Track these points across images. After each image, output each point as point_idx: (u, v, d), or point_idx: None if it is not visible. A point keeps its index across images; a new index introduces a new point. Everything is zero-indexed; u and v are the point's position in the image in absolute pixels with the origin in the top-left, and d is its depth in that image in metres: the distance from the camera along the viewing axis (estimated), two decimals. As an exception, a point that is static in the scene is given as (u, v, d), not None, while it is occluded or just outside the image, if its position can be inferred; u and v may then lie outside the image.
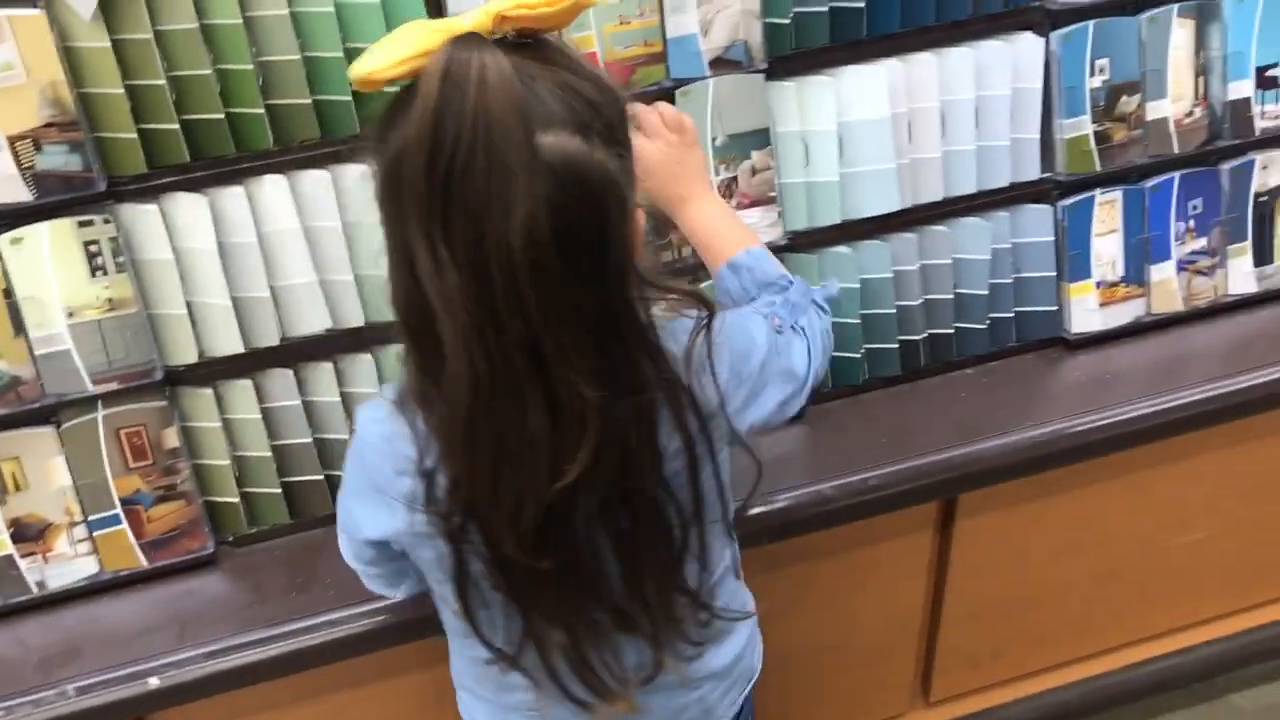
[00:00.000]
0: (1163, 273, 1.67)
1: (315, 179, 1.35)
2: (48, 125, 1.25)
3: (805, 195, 1.51)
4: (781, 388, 1.04)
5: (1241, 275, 1.70)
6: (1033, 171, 1.59)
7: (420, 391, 0.90)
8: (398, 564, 1.07)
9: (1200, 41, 1.58)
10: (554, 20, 0.83)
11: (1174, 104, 1.59)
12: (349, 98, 1.33)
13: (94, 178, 1.28)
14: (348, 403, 1.44)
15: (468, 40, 0.79)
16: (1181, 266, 1.67)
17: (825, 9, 1.43)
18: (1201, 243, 1.66)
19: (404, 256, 0.83)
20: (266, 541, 1.47)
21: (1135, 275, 1.66)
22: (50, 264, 1.30)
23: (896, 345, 1.60)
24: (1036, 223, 1.61)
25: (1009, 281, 1.62)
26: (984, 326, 1.63)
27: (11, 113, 1.24)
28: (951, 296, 1.60)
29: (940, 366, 1.64)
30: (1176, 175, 1.63)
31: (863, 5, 1.44)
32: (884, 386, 1.63)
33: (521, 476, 0.87)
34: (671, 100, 1.43)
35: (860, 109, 1.48)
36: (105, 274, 1.32)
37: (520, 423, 0.84)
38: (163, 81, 1.27)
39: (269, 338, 1.39)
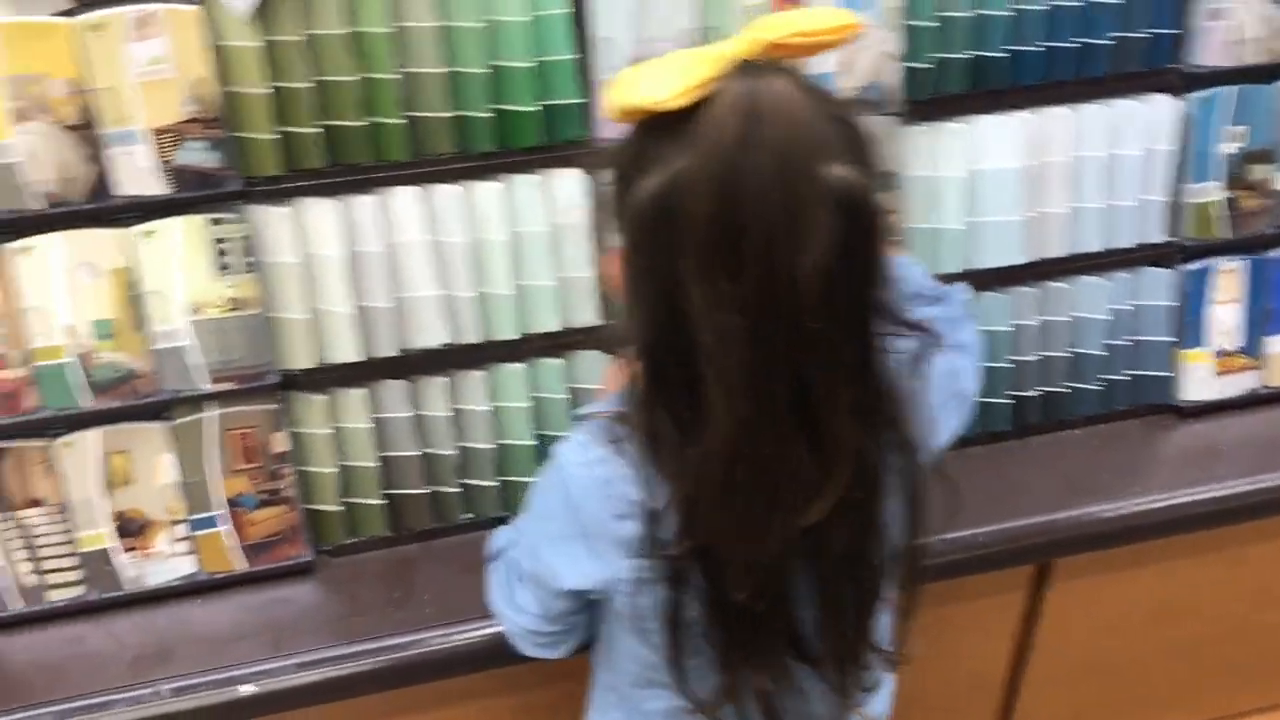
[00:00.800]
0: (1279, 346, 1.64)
1: (448, 193, 1.34)
2: (191, 120, 1.24)
3: (930, 241, 1.49)
4: (957, 413, 1.02)
5: (1361, 355, 1.67)
6: (1157, 234, 1.56)
7: (653, 431, 0.88)
8: (576, 619, 1.05)
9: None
10: (822, 49, 0.82)
11: (1307, 175, 1.57)
12: (490, 114, 1.32)
13: (230, 175, 1.27)
14: (460, 419, 1.43)
15: (750, 69, 0.78)
16: (1300, 341, 1.64)
17: (969, 56, 1.42)
18: (1323, 318, 1.64)
19: (665, 293, 0.82)
20: (363, 553, 1.46)
21: (1253, 346, 1.63)
22: (179, 259, 1.29)
23: (1008, 400, 1.57)
24: (1157, 286, 1.58)
25: (1126, 344, 1.60)
26: (1097, 388, 1.60)
27: (157, 106, 1.23)
28: (1067, 355, 1.57)
29: (1050, 425, 1.61)
30: (1303, 247, 1.60)
31: (1007, 56, 1.42)
32: (991, 441, 1.60)
33: (773, 517, 0.86)
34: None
35: (991, 158, 1.46)
36: (232, 273, 1.30)
37: (780, 463, 0.83)
38: (308, 85, 1.26)
39: (387, 348, 1.38)
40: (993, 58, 1.42)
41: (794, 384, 0.82)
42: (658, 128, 0.81)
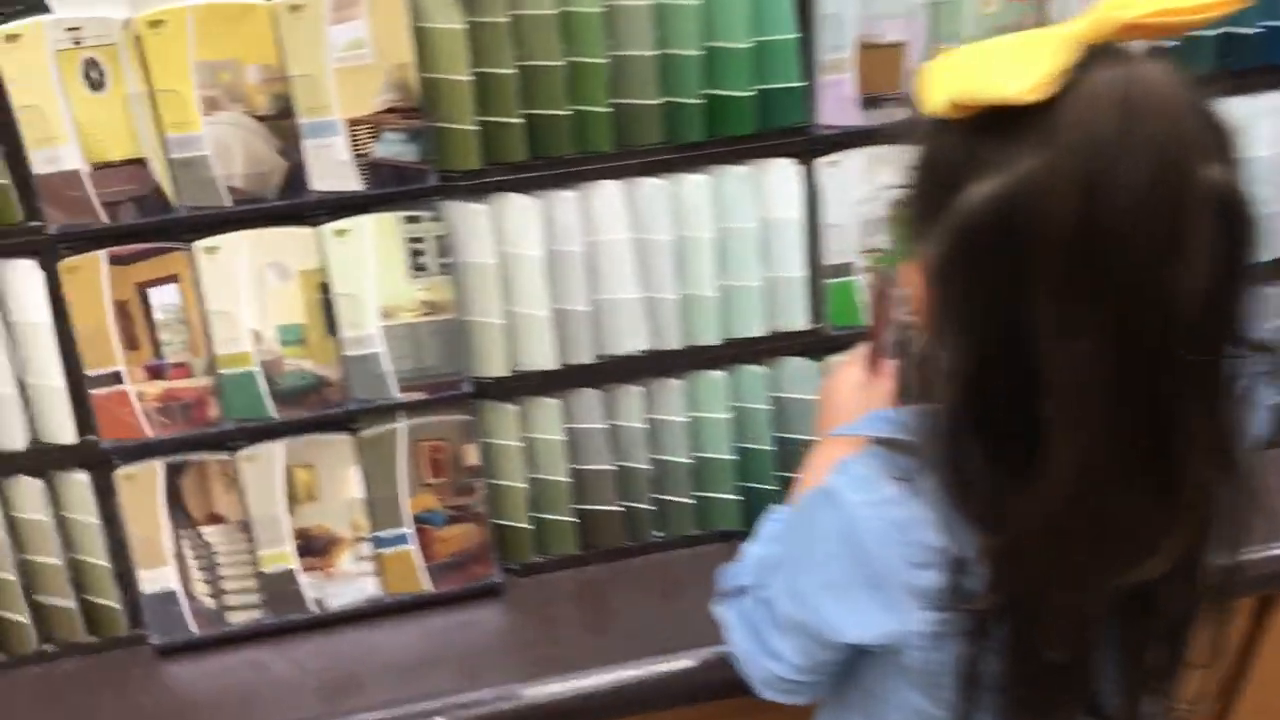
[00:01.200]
0: None
1: (654, 187, 1.24)
2: (389, 110, 1.15)
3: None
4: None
5: None
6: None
7: (961, 470, 0.76)
8: (838, 669, 0.94)
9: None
10: (1184, 29, 0.70)
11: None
12: (702, 100, 1.21)
13: (427, 170, 1.18)
14: (655, 430, 1.32)
15: (1110, 54, 0.67)
16: None
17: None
18: None
19: (999, 316, 0.70)
20: (553, 573, 1.36)
21: None
22: (373, 260, 1.20)
23: None
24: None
25: None
26: None
27: (355, 95, 1.14)
28: None
29: None
30: None
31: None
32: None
33: (1106, 571, 0.74)
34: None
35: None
36: (426, 274, 1.21)
37: (1124, 511, 0.72)
38: (513, 71, 1.16)
39: (583, 354, 1.28)
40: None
41: (1152, 422, 0.71)
42: (993, 124, 0.69)
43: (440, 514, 1.29)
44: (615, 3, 1.16)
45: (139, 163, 1.13)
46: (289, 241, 1.18)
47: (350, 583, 1.30)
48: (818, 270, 1.30)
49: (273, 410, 1.22)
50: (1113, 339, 0.68)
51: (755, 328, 1.30)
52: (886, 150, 1.19)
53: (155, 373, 1.19)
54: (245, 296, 1.18)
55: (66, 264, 1.15)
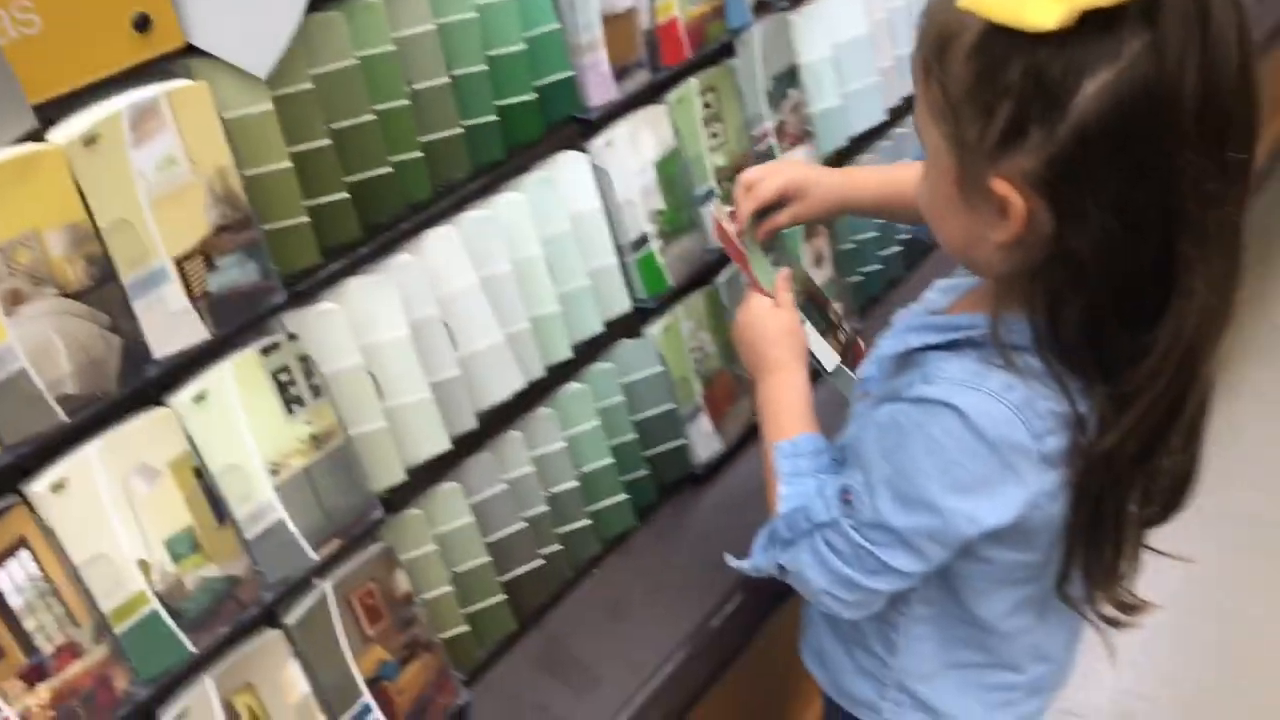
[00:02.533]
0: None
1: (478, 220, 1.14)
2: (219, 231, 0.93)
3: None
4: None
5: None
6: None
7: (1094, 340, 0.84)
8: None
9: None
10: None
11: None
12: (495, 117, 1.13)
13: (274, 287, 0.97)
14: (541, 466, 1.24)
15: None
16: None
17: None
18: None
19: (1140, 192, 0.77)
20: (499, 664, 1.23)
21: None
22: (242, 415, 0.97)
23: None
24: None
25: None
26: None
27: (179, 224, 0.90)
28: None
29: None
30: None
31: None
32: None
33: (1198, 400, 0.86)
34: (732, 51, 1.39)
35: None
36: (302, 405, 1.01)
37: (1215, 343, 0.84)
38: (327, 141, 0.99)
39: (466, 420, 1.16)
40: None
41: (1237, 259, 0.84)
42: (1089, 24, 0.77)
43: (391, 664, 1.11)
44: (401, 34, 1.03)
45: (-62, 415, 0.80)
46: (145, 435, 0.91)
47: (330, 790, 1.07)
48: (622, 250, 1.29)
49: (190, 644, 0.95)
50: (1238, 184, 0.80)
51: (594, 325, 1.27)
52: (646, 114, 1.22)
53: (36, 674, 0.87)
54: (116, 524, 0.90)
55: None
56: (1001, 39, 0.77)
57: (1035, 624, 1.04)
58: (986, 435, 0.87)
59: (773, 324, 1.13)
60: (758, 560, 1.06)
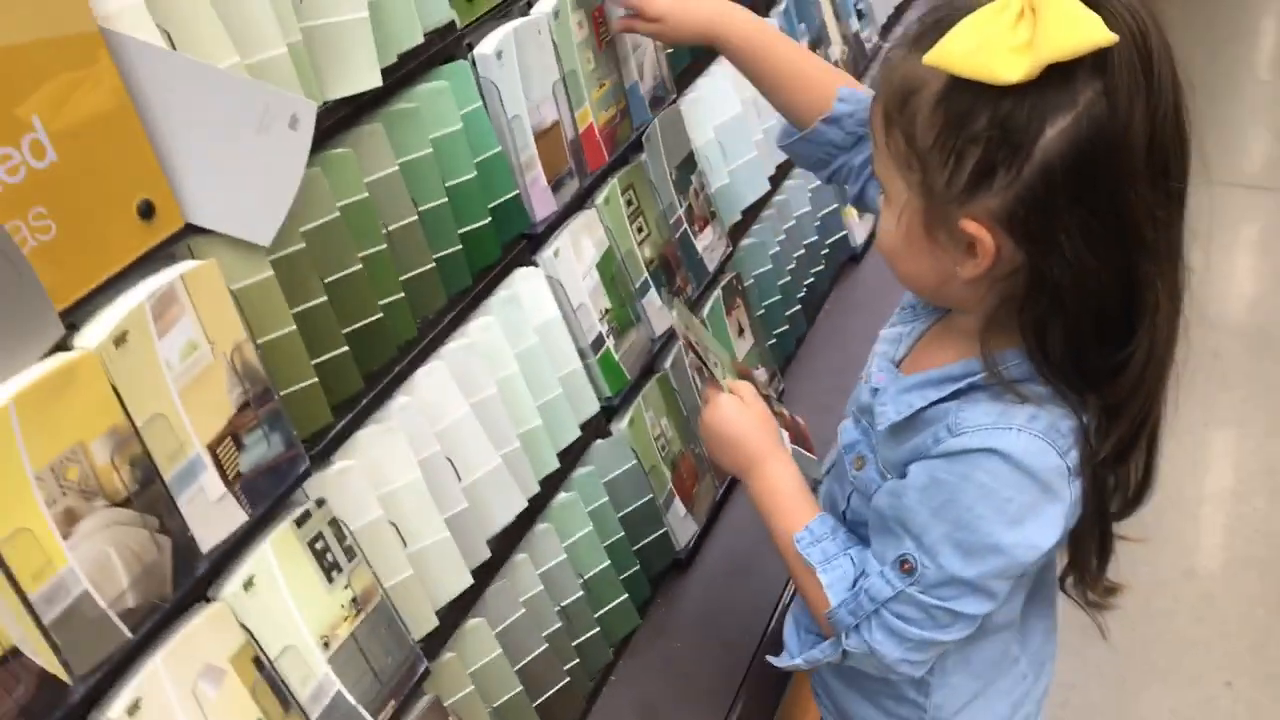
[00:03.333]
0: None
1: (460, 349, 1.13)
2: (243, 408, 0.89)
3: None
4: None
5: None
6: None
7: (1080, 362, 0.91)
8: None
9: None
10: None
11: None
12: (458, 246, 1.13)
13: (298, 454, 0.94)
14: (549, 582, 1.23)
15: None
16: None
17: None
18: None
19: (1113, 229, 0.85)
20: (550, 788, 1.21)
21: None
22: (287, 593, 0.93)
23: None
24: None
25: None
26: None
27: (206, 408, 0.86)
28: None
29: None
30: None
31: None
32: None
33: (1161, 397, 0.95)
34: (640, 147, 1.43)
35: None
36: (340, 571, 0.98)
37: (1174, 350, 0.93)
38: (324, 297, 0.97)
39: (480, 553, 1.14)
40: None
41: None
42: (1047, 77, 0.83)
43: (457, 814, 1.07)
44: (371, 179, 1.03)
45: (12, 657, 0.73)
46: (205, 635, 0.86)
47: None
48: (583, 353, 1.30)
49: (276, 847, 0.90)
50: (1180, 207, 0.89)
51: (572, 431, 1.27)
52: (581, 220, 1.27)
53: None
54: (191, 737, 0.84)
55: None
56: (967, 91, 0.84)
57: (1035, 619, 1.12)
58: (1030, 468, 0.93)
59: (746, 418, 1.14)
60: (812, 654, 1.08)
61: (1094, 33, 0.81)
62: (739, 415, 1.14)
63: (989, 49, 0.82)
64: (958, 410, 0.96)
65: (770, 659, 1.13)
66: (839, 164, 1.20)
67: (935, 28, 0.86)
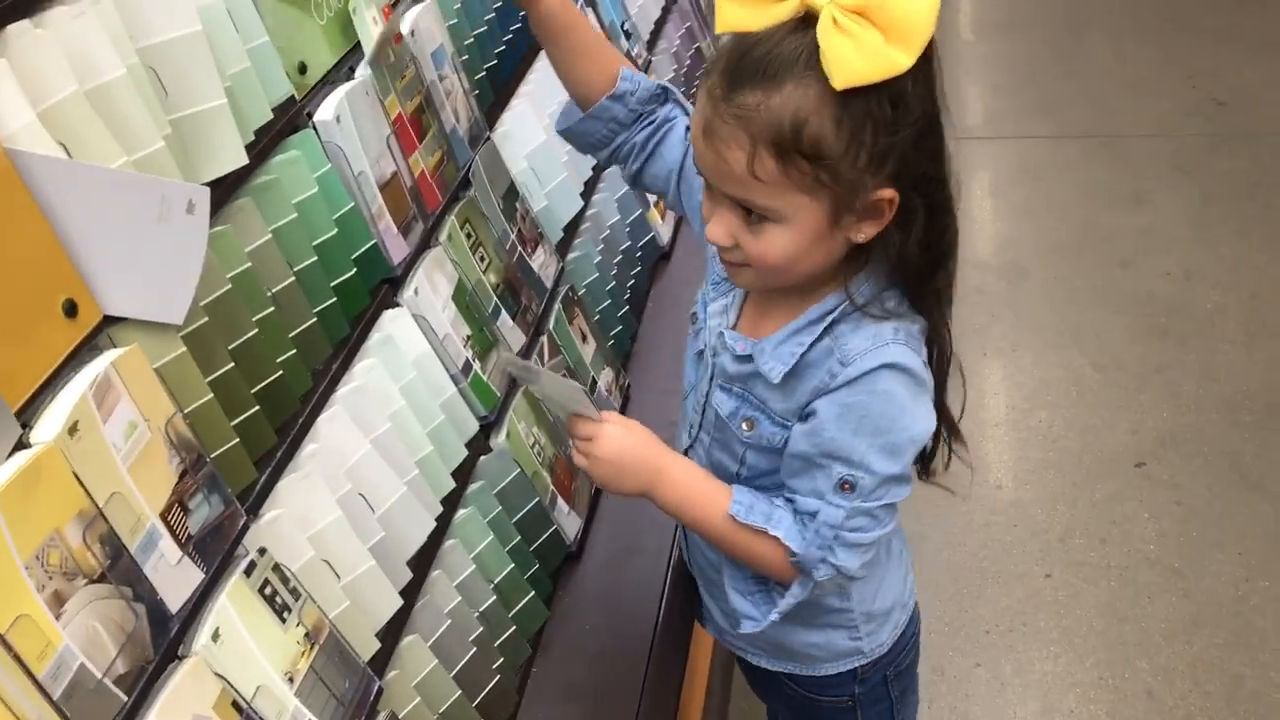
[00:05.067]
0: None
1: (352, 393, 1.22)
2: (183, 476, 0.96)
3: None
4: None
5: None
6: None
7: (919, 272, 1.09)
8: None
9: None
10: None
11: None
12: (335, 298, 1.22)
13: (236, 511, 1.02)
14: (465, 592, 1.33)
15: None
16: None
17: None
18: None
19: (932, 162, 1.04)
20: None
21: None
22: (249, 638, 1.01)
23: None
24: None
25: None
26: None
27: (153, 482, 0.93)
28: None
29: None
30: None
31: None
32: None
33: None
34: (468, 184, 1.54)
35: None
36: (290, 611, 1.05)
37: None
38: (231, 364, 1.05)
39: (403, 574, 1.23)
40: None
41: None
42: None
43: (430, 814, 1.16)
44: (250, 248, 1.11)
45: (32, 736, 0.79)
46: (188, 689, 0.93)
47: None
48: (455, 380, 1.40)
49: None
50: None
51: (460, 451, 1.37)
52: (430, 258, 1.39)
53: None
54: (194, 783, 0.91)
55: None
56: (860, 94, 0.98)
57: None
58: (911, 369, 1.10)
59: (632, 438, 1.17)
60: (785, 604, 1.18)
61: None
62: (625, 437, 1.17)
63: (875, 52, 0.96)
64: (836, 345, 1.11)
65: (742, 630, 1.24)
66: (621, 140, 1.29)
67: (754, 68, 1.00)
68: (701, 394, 1.24)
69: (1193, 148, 3.94)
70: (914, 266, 1.09)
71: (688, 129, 1.26)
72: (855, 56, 0.96)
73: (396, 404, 1.27)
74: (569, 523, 1.55)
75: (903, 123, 1.01)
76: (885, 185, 1.03)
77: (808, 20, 0.98)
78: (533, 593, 1.44)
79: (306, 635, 1.06)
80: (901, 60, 0.97)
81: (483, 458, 1.42)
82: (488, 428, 1.45)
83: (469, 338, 1.44)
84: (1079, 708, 2.24)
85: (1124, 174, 3.86)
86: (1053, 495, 2.67)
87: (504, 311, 1.52)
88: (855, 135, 1.00)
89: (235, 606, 1.00)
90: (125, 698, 0.87)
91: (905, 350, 1.10)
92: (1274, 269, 3.30)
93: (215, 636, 0.97)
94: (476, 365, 1.44)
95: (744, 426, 1.19)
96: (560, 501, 1.55)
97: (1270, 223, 3.52)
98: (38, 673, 0.80)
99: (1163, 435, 2.80)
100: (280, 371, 1.11)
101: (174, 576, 0.94)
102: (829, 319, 1.11)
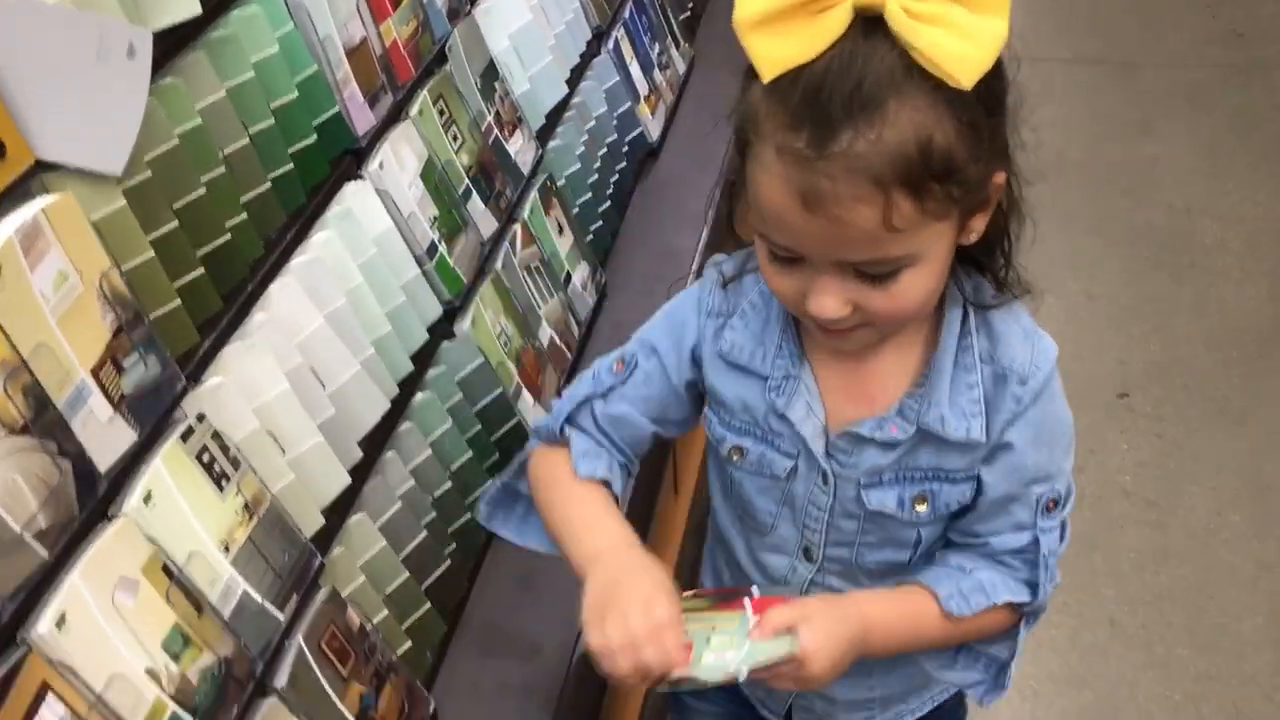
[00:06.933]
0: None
1: (306, 264, 1.18)
2: (117, 333, 0.93)
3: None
4: None
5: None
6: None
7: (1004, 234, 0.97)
8: None
9: None
10: None
11: None
12: (292, 165, 1.17)
13: (175, 374, 0.99)
14: (419, 477, 1.31)
15: None
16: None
17: None
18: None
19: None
20: (446, 659, 1.30)
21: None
22: (184, 504, 0.98)
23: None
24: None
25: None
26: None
27: (85, 337, 0.90)
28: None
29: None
30: None
31: None
32: None
33: None
34: (444, 59, 1.49)
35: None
36: (229, 480, 1.03)
37: None
38: (175, 223, 1.01)
39: (353, 453, 1.21)
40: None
41: None
42: None
43: (369, 695, 1.15)
44: (202, 105, 1.06)
45: (-59, 584, 0.77)
46: (116, 549, 0.91)
47: (361, 830, 1.10)
48: (419, 261, 1.37)
49: (210, 738, 0.96)
50: None
51: (420, 335, 1.34)
52: (399, 132, 1.33)
53: (97, 815, 0.85)
54: (119, 644, 0.89)
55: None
56: (958, 95, 0.80)
57: None
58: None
59: (827, 641, 0.94)
60: (1016, 643, 1.06)
61: None
62: (824, 642, 0.94)
63: (975, 29, 0.79)
64: (998, 363, 0.96)
65: (980, 699, 1.09)
66: None
67: (843, 103, 0.80)
68: (818, 517, 1.04)
69: (1207, 80, 3.85)
70: (1001, 240, 0.94)
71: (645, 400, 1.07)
72: (961, 43, 0.79)
73: (354, 280, 1.23)
74: (533, 415, 1.53)
75: (1003, 92, 0.86)
76: (998, 168, 0.88)
77: (868, 25, 0.80)
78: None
79: (245, 506, 1.04)
80: (1001, 27, 0.79)
81: (445, 343, 1.39)
82: (452, 314, 1.41)
83: (436, 219, 1.40)
84: (1040, 631, 2.22)
85: (1135, 103, 3.77)
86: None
87: (475, 195, 1.48)
88: (976, 130, 0.83)
89: (169, 470, 0.97)
90: (45, 554, 0.85)
91: (1045, 335, 0.98)
92: (1277, 207, 3.25)
93: (147, 499, 0.95)
94: (443, 248, 1.40)
95: (918, 508, 1.01)
96: (525, 394, 1.52)
97: (1278, 160, 3.45)
98: (-51, 521, 0.77)
99: (1149, 367, 2.77)
100: (229, 236, 1.07)
101: (104, 435, 0.91)
102: (968, 336, 0.96)
